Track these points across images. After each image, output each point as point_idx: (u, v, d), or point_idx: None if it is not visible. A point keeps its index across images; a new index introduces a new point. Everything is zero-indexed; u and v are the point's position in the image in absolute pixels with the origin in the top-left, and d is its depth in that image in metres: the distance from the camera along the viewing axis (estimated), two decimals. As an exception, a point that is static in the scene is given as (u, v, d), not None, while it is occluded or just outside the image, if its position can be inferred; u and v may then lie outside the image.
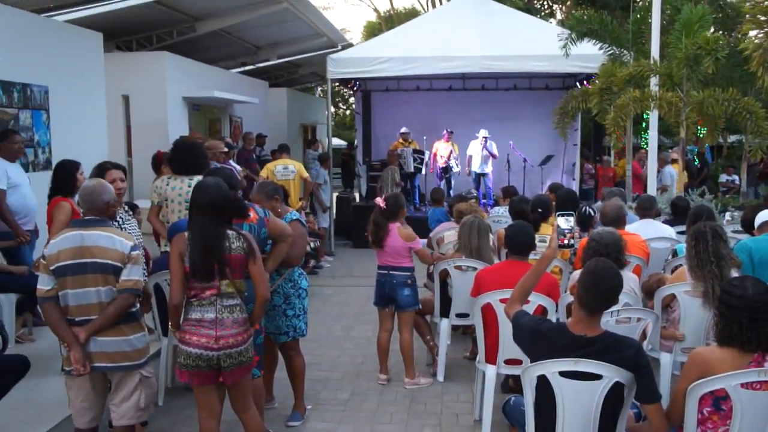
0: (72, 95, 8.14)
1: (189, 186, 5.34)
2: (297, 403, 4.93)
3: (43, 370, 5.21)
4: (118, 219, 4.64)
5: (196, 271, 3.54)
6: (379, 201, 5.51)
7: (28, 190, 6.38)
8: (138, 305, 3.85)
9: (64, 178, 5.26)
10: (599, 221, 5.75)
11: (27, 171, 6.86)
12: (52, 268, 3.58)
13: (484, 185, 13.69)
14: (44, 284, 3.61)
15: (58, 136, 7.80)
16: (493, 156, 13.47)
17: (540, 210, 6.00)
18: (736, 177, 16.13)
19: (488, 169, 13.60)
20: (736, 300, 2.97)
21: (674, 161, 12.50)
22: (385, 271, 5.52)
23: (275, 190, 4.74)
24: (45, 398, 4.99)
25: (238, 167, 9.09)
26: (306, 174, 9.87)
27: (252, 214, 4.22)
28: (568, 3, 25.25)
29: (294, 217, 4.73)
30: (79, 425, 3.75)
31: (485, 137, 13.34)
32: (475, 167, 13.55)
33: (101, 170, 4.92)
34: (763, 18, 6.22)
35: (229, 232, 3.64)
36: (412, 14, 29.47)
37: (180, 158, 5.55)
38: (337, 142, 27.63)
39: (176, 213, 5.43)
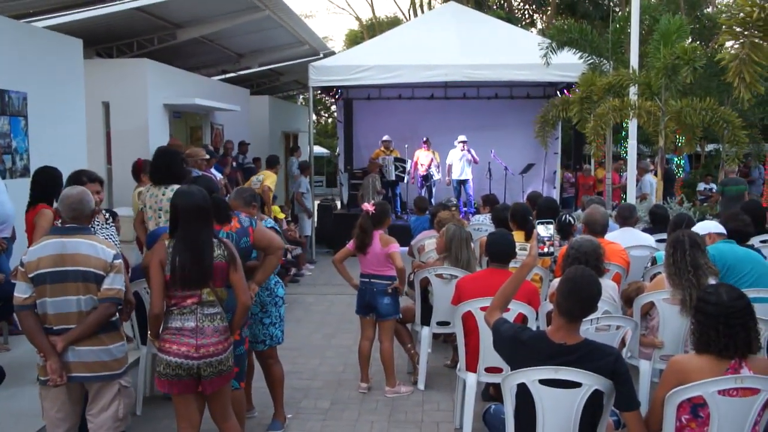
0: (51, 102, 8.07)
1: (164, 194, 5.34)
2: (277, 412, 4.90)
3: (19, 380, 5.15)
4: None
5: (185, 278, 3.51)
6: (368, 206, 5.51)
7: (5, 197, 6.31)
8: (117, 314, 3.81)
9: (45, 185, 5.20)
10: (579, 229, 5.79)
11: (4, 178, 6.78)
12: (31, 275, 3.53)
13: (464, 193, 13.71)
14: (21, 292, 3.55)
15: (37, 143, 7.72)
16: (475, 160, 13.51)
17: (515, 218, 6.01)
18: (713, 185, 16.30)
19: (468, 175, 13.62)
20: (711, 307, 3.00)
21: (650, 171, 12.64)
22: (367, 279, 5.52)
23: (252, 196, 4.74)
24: (20, 408, 4.93)
25: (220, 175, 9.06)
26: (268, 183, 9.84)
27: (233, 222, 4.20)
28: (549, 12, 25.47)
29: (268, 225, 4.73)
30: (55, 437, 3.69)
31: (463, 141, 13.38)
32: (456, 174, 13.57)
33: (77, 182, 4.89)
34: (739, 29, 6.29)
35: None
36: (393, 23, 29.58)
37: (156, 168, 5.53)
38: (318, 150, 27.62)
39: (152, 221, 5.42)
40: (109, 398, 3.69)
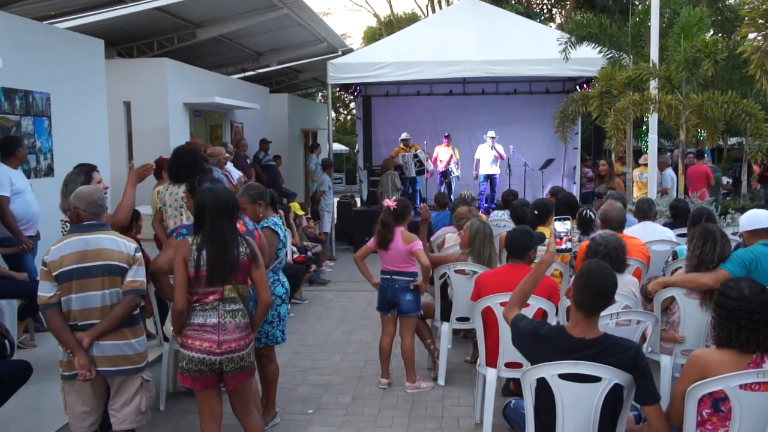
0: (73, 102, 8.17)
1: (185, 192, 5.37)
2: (266, 410, 4.80)
3: (45, 376, 5.22)
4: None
5: (212, 274, 3.56)
6: (389, 202, 5.52)
7: (31, 197, 6.42)
8: (138, 309, 3.87)
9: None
10: (598, 224, 5.76)
11: (29, 177, 6.89)
12: (54, 273, 3.58)
13: (490, 188, 13.67)
14: (46, 291, 3.61)
15: (60, 143, 7.83)
16: (501, 157, 13.48)
17: (536, 212, 6.01)
18: (737, 179, 16.14)
19: (496, 170, 13.58)
20: (733, 302, 2.99)
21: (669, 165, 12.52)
22: (388, 276, 5.52)
23: (260, 195, 4.68)
24: (47, 404, 5.01)
25: (239, 173, 9.12)
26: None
27: (239, 224, 4.21)
28: (567, 7, 25.30)
29: (267, 224, 4.67)
30: (79, 430, 3.75)
31: (492, 137, 13.34)
32: (484, 170, 13.52)
33: (88, 173, 5.05)
34: (761, 21, 6.23)
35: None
36: (412, 19, 29.52)
37: (175, 166, 5.57)
38: (338, 147, 27.68)
39: (172, 219, 5.46)
40: (132, 392, 3.75)
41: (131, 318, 3.74)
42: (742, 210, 9.40)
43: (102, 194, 3.84)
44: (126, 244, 3.71)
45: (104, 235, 3.69)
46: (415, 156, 13.33)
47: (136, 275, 3.71)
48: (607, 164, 9.83)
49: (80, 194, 3.78)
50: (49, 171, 7.57)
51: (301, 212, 10.49)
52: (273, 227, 4.70)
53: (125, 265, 3.67)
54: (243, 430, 3.91)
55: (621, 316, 4.14)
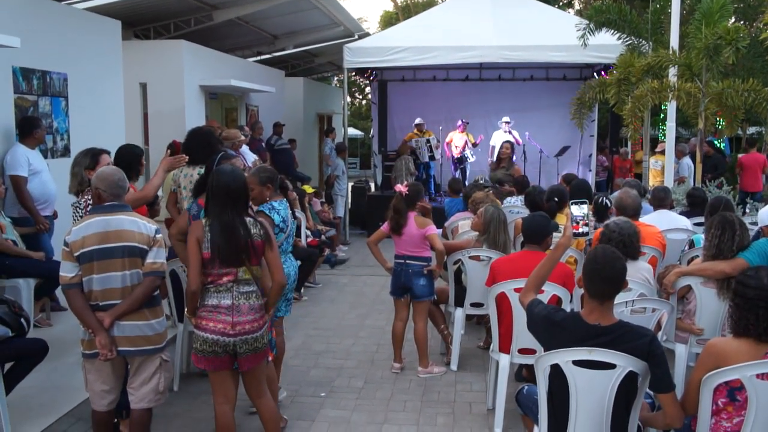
0: (90, 82, 8.18)
1: (199, 174, 5.38)
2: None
3: (61, 354, 5.28)
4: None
5: (222, 256, 3.57)
6: (400, 188, 5.51)
7: (48, 177, 6.47)
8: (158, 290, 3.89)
9: (127, 164, 5.27)
10: (614, 212, 5.72)
11: (45, 158, 6.92)
12: (76, 254, 3.58)
13: None
14: (67, 271, 3.61)
15: (77, 123, 7.85)
16: (517, 142, 13.39)
17: (556, 199, 5.99)
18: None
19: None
20: (751, 291, 2.95)
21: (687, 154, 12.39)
22: (402, 261, 5.53)
23: (269, 178, 4.60)
24: (63, 382, 5.07)
25: (254, 156, 9.12)
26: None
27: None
28: (587, -7, 25.02)
29: (262, 208, 4.53)
30: (98, 408, 3.78)
31: (507, 122, 13.25)
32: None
33: (94, 156, 5.16)
34: (784, 8, 6.15)
35: (247, 218, 3.68)
36: (429, 4, 29.32)
37: (189, 148, 5.57)
38: (353, 132, 27.65)
39: (186, 200, 5.47)
40: (151, 371, 3.77)
41: (152, 299, 3.75)
42: (761, 200, 9.33)
43: (122, 174, 3.84)
44: (147, 226, 3.71)
45: (125, 217, 3.70)
46: (427, 141, 13.29)
47: (157, 257, 3.71)
48: (510, 147, 9.76)
49: (101, 175, 3.79)
50: (66, 151, 7.59)
51: (311, 190, 10.52)
52: (268, 212, 4.57)
53: (145, 247, 3.68)
54: (257, 411, 3.92)
55: (636, 304, 4.12)
